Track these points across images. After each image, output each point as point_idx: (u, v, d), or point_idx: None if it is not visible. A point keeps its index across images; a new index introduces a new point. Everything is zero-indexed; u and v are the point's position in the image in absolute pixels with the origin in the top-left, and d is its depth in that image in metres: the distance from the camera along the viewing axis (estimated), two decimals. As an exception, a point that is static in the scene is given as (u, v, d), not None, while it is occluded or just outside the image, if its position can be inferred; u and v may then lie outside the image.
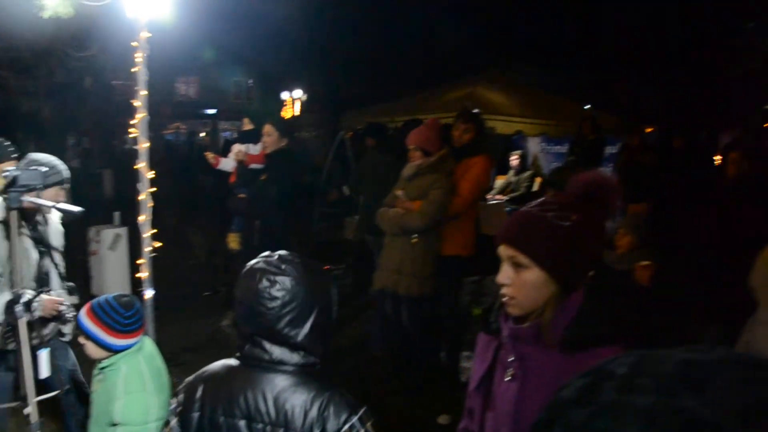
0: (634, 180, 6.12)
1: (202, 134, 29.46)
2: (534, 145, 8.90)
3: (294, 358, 1.75)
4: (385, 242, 4.77)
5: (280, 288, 1.71)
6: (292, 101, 22.10)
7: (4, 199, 3.15)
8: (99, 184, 15.04)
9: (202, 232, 9.35)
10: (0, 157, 5.62)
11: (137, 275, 4.47)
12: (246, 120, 6.26)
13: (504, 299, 1.64)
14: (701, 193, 4.49)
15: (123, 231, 6.95)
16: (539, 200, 1.67)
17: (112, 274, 6.87)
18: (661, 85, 18.37)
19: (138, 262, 4.53)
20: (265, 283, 1.72)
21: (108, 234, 6.89)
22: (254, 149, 5.66)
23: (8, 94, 9.55)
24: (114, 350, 2.68)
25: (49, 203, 3.24)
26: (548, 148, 8.92)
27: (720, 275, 3.11)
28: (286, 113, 22.03)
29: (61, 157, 3.85)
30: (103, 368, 2.71)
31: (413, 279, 4.54)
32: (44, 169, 3.31)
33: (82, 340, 2.71)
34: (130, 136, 4.62)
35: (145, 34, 4.18)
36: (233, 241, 5.40)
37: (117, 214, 7.25)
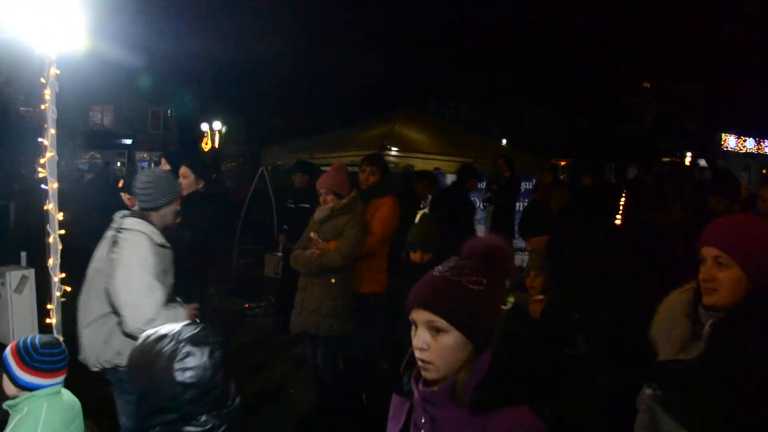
0: (537, 215, 6.37)
1: (118, 164, 28.61)
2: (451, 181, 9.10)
3: None
4: (300, 284, 4.77)
5: None
6: (212, 132, 21.82)
7: None
8: (3, 217, 14.27)
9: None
10: None
11: (46, 321, 4.28)
12: (163, 160, 6.14)
13: (420, 364, 1.66)
14: (604, 232, 4.70)
15: (30, 272, 6.61)
16: (447, 264, 1.72)
17: (18, 318, 6.51)
18: (570, 123, 19.36)
19: (48, 306, 4.34)
20: None
21: (15, 276, 6.53)
22: None
23: None
24: (23, 387, 2.62)
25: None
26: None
27: (619, 320, 3.22)
28: (206, 145, 21.73)
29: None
30: (8, 406, 2.65)
31: (334, 320, 4.56)
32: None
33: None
34: (39, 176, 4.44)
35: (53, 71, 4.06)
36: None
37: (24, 254, 6.90)
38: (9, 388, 2.64)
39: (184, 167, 4.93)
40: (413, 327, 1.69)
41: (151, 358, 1.82)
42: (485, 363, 1.65)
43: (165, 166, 5.96)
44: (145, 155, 28.67)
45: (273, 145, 11.39)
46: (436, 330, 1.62)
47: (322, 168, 9.28)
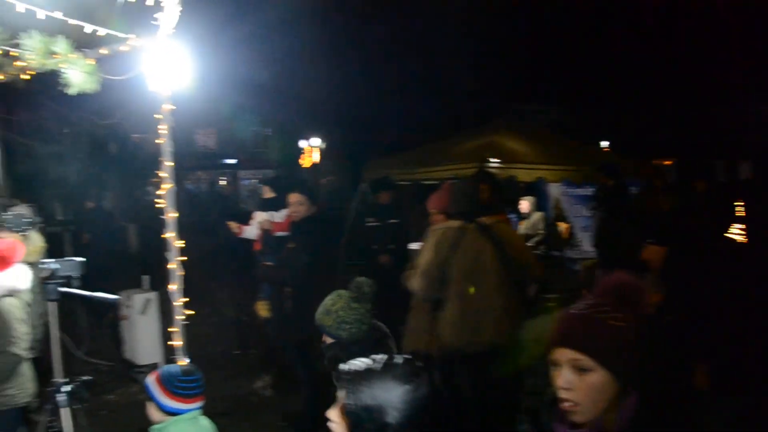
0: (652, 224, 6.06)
1: (223, 182, 29.87)
2: (555, 190, 8.90)
3: None
4: (413, 304, 4.77)
5: None
6: (311, 149, 22.36)
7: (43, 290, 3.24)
8: (124, 239, 15.24)
9: (228, 288, 9.38)
10: (23, 230, 5.74)
11: (170, 342, 4.53)
12: (266, 188, 6.37)
13: (565, 405, 1.61)
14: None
15: (153, 295, 7.02)
16: (585, 302, 1.68)
17: (143, 339, 6.93)
18: (673, 120, 18.38)
19: (170, 329, 4.59)
20: None
21: (139, 299, 6.95)
22: (278, 216, 5.75)
23: (36, 161, 9.84)
24: (167, 412, 2.83)
25: (86, 293, 3.31)
26: (570, 192, 8.90)
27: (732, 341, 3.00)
28: (305, 161, 22.31)
29: (83, 218, 3.93)
30: (155, 431, 2.86)
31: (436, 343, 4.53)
32: (79, 259, 3.40)
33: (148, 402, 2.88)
34: (157, 206, 4.71)
35: (168, 107, 4.31)
36: (262, 309, 5.44)
37: (146, 278, 7.32)
38: (155, 414, 2.85)
39: (297, 194, 5.06)
40: (554, 367, 1.65)
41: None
42: (632, 403, 1.60)
43: (269, 194, 6.22)
44: (247, 174, 29.78)
45: (372, 160, 11.50)
46: (580, 369, 1.58)
47: (423, 182, 9.32)
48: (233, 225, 6.14)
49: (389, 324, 5.80)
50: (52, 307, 3.09)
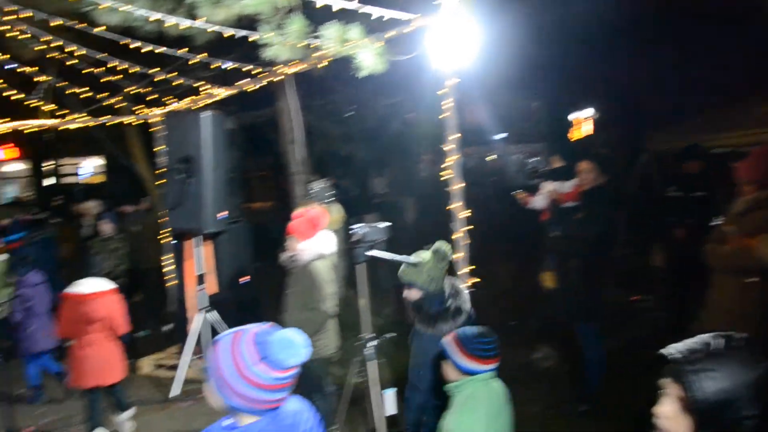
0: None
1: (491, 157, 30.11)
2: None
3: None
4: (713, 281, 4.35)
5: None
6: (582, 120, 21.50)
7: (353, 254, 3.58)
8: (402, 212, 16.20)
9: (510, 258, 9.46)
10: (326, 201, 6.38)
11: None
12: (556, 157, 6.29)
13: None
14: None
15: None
16: None
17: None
18: None
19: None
20: None
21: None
22: (566, 187, 5.64)
23: (329, 141, 10.93)
24: (463, 372, 2.98)
25: (392, 256, 3.58)
26: None
27: None
28: (575, 134, 21.52)
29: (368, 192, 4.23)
30: (451, 388, 3.02)
31: (743, 321, 4.07)
32: (383, 225, 3.69)
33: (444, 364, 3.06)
34: (443, 178, 4.92)
35: (451, 82, 4.44)
36: (548, 280, 5.41)
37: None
38: (451, 373, 3.02)
39: (585, 163, 4.93)
40: None
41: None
42: None
43: (558, 162, 6.13)
44: (516, 147, 29.65)
45: (653, 129, 10.68)
46: None
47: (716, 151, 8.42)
48: (521, 195, 6.17)
49: (681, 302, 5.39)
50: (361, 269, 3.40)
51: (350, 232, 3.53)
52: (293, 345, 1.81)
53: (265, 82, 7.14)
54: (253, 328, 1.86)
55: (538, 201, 6.03)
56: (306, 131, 7.95)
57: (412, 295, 3.56)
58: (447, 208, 4.53)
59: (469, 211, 4.41)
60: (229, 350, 1.81)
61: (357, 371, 3.72)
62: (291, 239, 4.65)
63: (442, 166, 4.68)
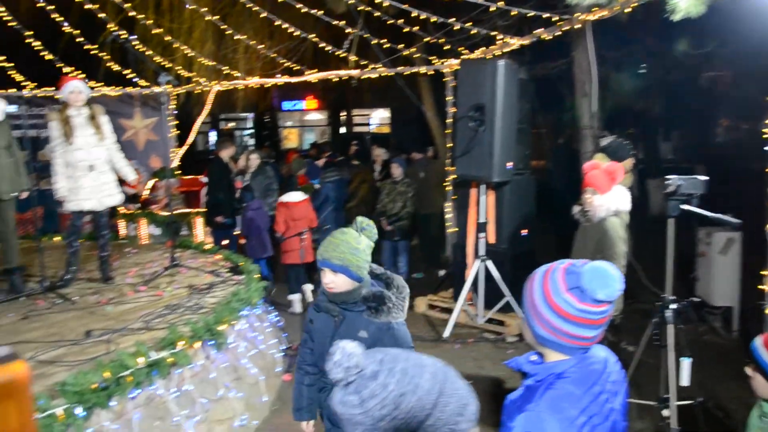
0: None
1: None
2: None
3: None
4: None
5: None
6: None
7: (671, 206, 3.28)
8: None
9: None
10: (621, 157, 6.00)
11: (758, 286, 4.17)
12: None
13: None
14: None
15: (736, 235, 6.60)
16: None
17: (719, 280, 6.63)
18: None
19: (763, 272, 4.22)
20: None
21: (720, 237, 6.65)
22: None
23: (622, 95, 10.28)
24: None
25: (707, 213, 3.24)
26: None
27: None
28: None
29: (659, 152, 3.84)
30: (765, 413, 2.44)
31: None
32: (703, 178, 3.34)
33: (749, 371, 2.44)
34: (765, 136, 4.31)
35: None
36: None
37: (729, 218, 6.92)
38: (765, 388, 2.39)
39: None
40: None
41: None
42: None
43: None
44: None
45: None
46: None
47: None
48: None
49: None
50: (671, 224, 3.13)
51: (665, 182, 3.23)
52: (606, 277, 1.68)
53: (560, 31, 6.91)
54: (567, 262, 1.79)
55: None
56: (599, 84, 7.54)
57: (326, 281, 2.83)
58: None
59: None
60: (541, 279, 1.77)
61: (652, 333, 3.46)
62: (586, 192, 4.47)
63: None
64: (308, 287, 7.72)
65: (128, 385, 3.67)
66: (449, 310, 7.07)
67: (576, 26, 6.63)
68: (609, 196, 4.38)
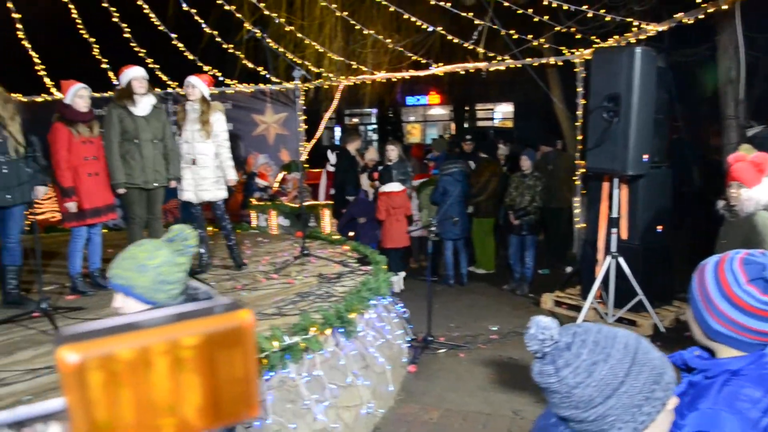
0: None
1: None
2: None
3: None
4: None
5: None
6: None
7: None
8: None
9: None
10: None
11: None
12: None
13: None
14: None
15: None
16: None
17: None
18: None
19: None
20: None
21: None
22: None
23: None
24: None
25: None
26: None
27: None
28: None
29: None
30: None
31: None
32: None
33: None
34: None
35: None
36: None
37: None
38: None
39: None
40: None
41: None
42: None
43: None
44: None
45: None
46: None
47: None
48: None
49: None
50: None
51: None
52: None
53: (704, 14, 6.49)
54: (743, 252, 1.68)
55: None
56: (747, 70, 7.01)
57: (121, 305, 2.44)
58: None
59: None
60: (715, 270, 1.66)
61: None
62: (731, 186, 4.18)
63: None
64: (401, 274, 7.84)
65: (263, 367, 3.84)
66: (577, 308, 6.87)
67: (723, 7, 6.20)
68: (757, 190, 4.08)
